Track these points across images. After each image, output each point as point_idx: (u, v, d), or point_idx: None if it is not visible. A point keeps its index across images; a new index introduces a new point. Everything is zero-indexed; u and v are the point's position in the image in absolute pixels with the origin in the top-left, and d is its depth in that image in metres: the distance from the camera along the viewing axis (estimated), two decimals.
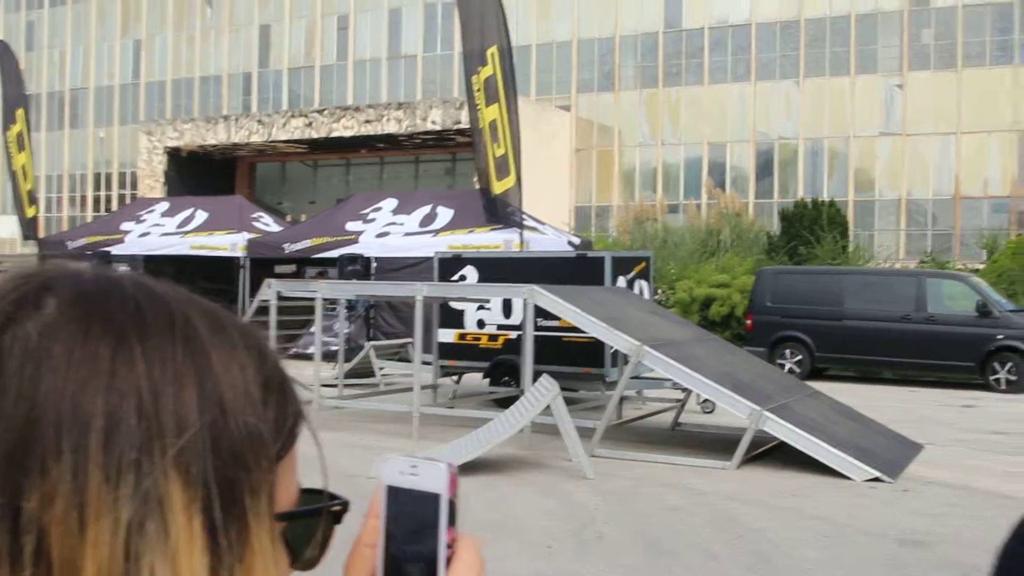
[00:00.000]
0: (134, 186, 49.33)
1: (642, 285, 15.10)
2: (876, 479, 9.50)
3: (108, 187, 55.46)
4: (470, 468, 9.59)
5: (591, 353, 13.38)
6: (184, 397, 0.63)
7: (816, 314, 19.12)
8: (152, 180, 43.75)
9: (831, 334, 18.97)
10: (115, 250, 25.18)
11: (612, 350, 12.68)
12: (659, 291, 22.58)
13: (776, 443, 10.50)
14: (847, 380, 19.05)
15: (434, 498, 0.69)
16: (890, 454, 10.48)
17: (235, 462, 0.65)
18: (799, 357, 19.41)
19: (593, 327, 11.05)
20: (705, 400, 13.01)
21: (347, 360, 16.19)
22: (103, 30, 56.52)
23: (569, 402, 10.89)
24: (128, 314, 0.65)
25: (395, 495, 0.70)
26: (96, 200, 55.60)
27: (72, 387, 0.61)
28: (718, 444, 11.21)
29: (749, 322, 20.19)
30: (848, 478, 9.51)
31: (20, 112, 28.48)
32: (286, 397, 0.70)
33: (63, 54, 57.82)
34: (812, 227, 25.91)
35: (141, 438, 0.61)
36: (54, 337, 0.63)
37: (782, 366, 18.56)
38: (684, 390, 12.48)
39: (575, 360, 13.58)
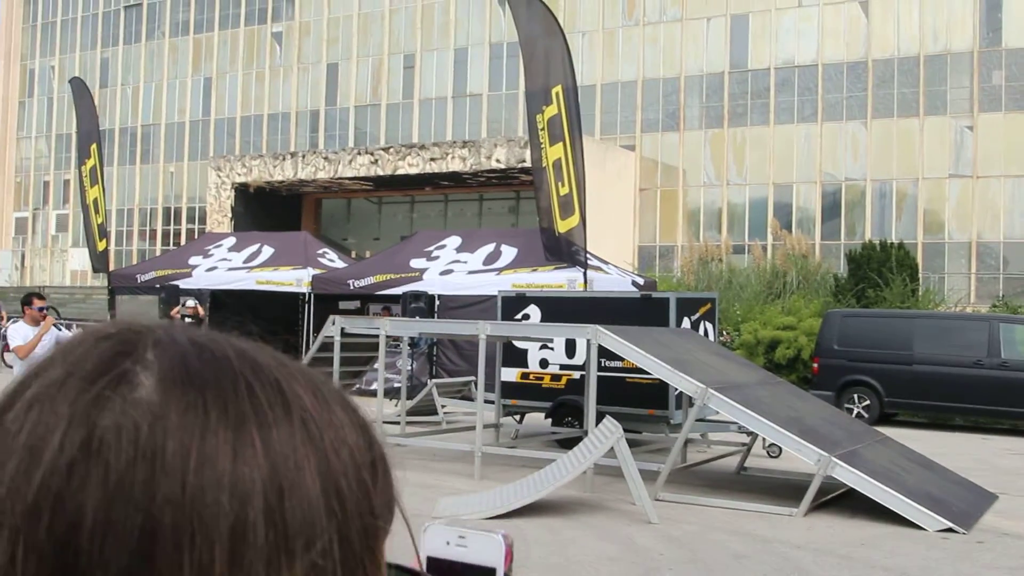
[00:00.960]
0: (202, 221, 50.07)
1: (707, 327, 14.96)
2: (949, 530, 9.24)
3: (177, 221, 56.35)
4: (531, 510, 9.50)
5: (655, 395, 13.25)
6: (309, 496, 0.56)
7: (885, 358, 18.77)
8: (220, 215, 44.38)
9: (901, 379, 18.59)
10: (183, 284, 25.49)
11: (676, 392, 12.54)
12: (724, 333, 22.33)
13: (844, 490, 10.28)
14: (917, 426, 18.66)
15: (488, 573, 0.63)
16: (963, 504, 10.20)
17: (356, 566, 0.58)
18: (867, 402, 19.05)
19: (657, 369, 10.92)
20: (771, 444, 12.81)
21: (410, 397, 16.20)
22: (175, 68, 57.63)
23: (632, 444, 10.77)
24: (242, 396, 0.58)
25: (439, 568, 0.63)
26: (165, 234, 56.49)
27: (192, 492, 0.54)
28: (785, 490, 11.00)
29: (816, 365, 19.88)
30: (920, 528, 9.27)
31: (94, 147, 29.03)
32: (389, 478, 0.63)
33: (136, 91, 59.02)
34: (880, 269, 25.51)
35: (270, 550, 0.54)
36: (166, 430, 0.55)
37: (850, 411, 18.22)
38: (750, 434, 12.30)
39: (639, 402, 13.46)
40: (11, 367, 26.71)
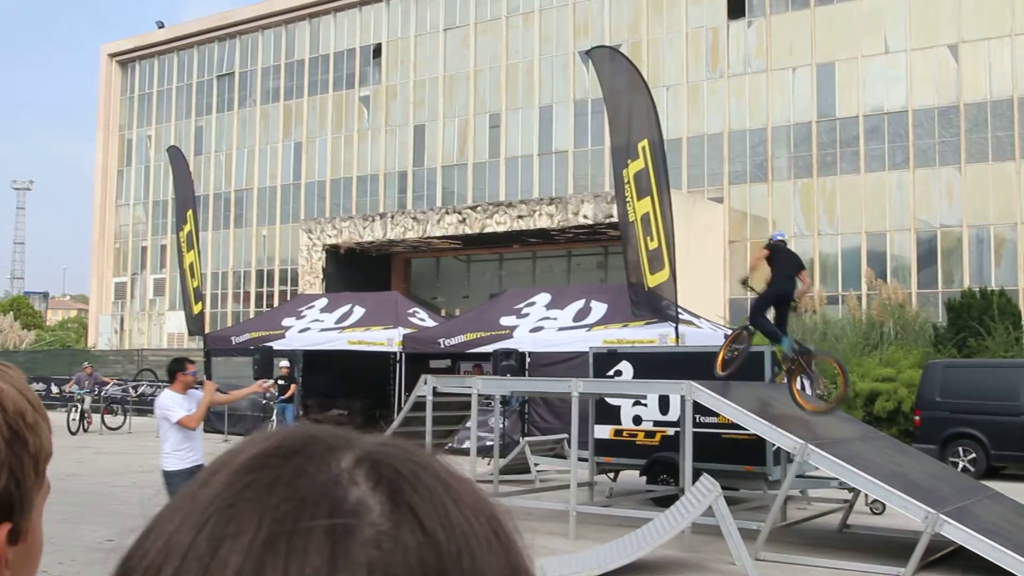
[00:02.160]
0: (294, 282, 50.83)
1: (804, 380, 14.65)
2: None
3: (270, 283, 57.29)
4: (629, 570, 9.32)
5: (752, 451, 12.99)
6: None
7: (990, 409, 18.18)
8: (312, 276, 45.03)
9: (1008, 430, 17.98)
10: (276, 345, 25.83)
11: (774, 448, 12.28)
12: (821, 386, 21.86)
13: (953, 548, 9.92)
14: None
15: None
16: None
17: None
18: (973, 455, 18.45)
19: (754, 424, 10.71)
20: (874, 500, 12.45)
21: (502, 456, 16.10)
22: (266, 134, 58.92)
23: (730, 501, 10.54)
24: (473, 516, 0.57)
25: None
26: (259, 296, 57.44)
27: None
28: (890, 548, 10.66)
29: (917, 418, 19.35)
30: None
31: (190, 213, 29.74)
32: None
33: (229, 157, 60.42)
34: (982, 317, 24.82)
35: None
36: (441, 558, 0.53)
37: (955, 465, 17.67)
38: (851, 490, 11.97)
39: (736, 458, 13.20)
40: (111, 429, 27.39)
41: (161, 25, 64.64)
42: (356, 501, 0.54)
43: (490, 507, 0.58)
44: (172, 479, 8.91)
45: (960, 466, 17.91)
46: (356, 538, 0.52)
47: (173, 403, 8.96)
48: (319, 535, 0.51)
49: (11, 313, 65.97)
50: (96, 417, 27.77)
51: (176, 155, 31.64)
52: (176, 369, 9.20)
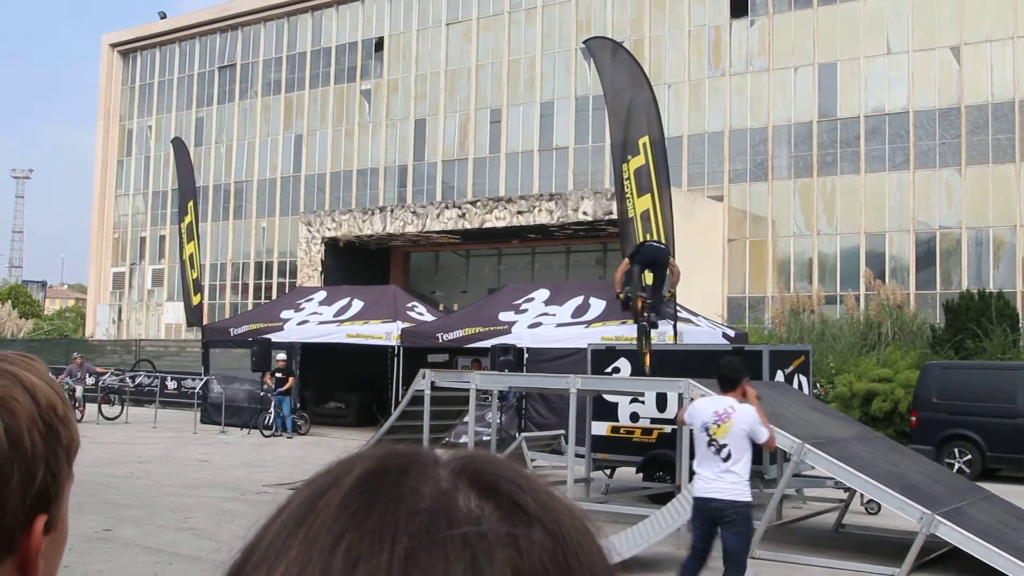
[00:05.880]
0: (293, 275, 50.83)
1: (801, 380, 14.69)
2: None
3: (269, 275, 57.28)
4: (624, 568, 9.33)
5: None
6: None
7: (987, 411, 18.23)
8: (310, 269, 45.01)
9: (1003, 432, 18.03)
10: (275, 337, 25.82)
11: None
12: (818, 385, 21.91)
13: (947, 549, 9.95)
14: (1021, 482, 18.05)
15: None
16: None
17: None
18: (969, 456, 18.49)
19: None
20: (870, 501, 12.48)
21: (499, 451, 16.11)
22: (267, 126, 58.89)
23: None
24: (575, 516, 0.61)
25: None
26: (257, 288, 57.42)
27: None
28: (885, 548, 10.69)
29: (914, 419, 19.38)
30: None
31: (191, 204, 29.73)
32: None
33: (229, 148, 60.38)
34: (979, 319, 24.86)
35: None
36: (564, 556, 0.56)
37: (950, 466, 17.72)
38: (847, 490, 12.00)
39: None
40: (108, 419, 27.28)
41: (163, 16, 64.57)
42: (473, 508, 0.55)
43: (576, 507, 0.61)
44: (748, 512, 7.49)
45: (956, 467, 17.95)
46: (492, 542, 0.53)
47: (759, 418, 7.34)
48: (457, 543, 0.53)
49: (9, 302, 65.88)
50: (92, 407, 27.76)
51: (179, 147, 31.64)
52: (738, 376, 7.56)
